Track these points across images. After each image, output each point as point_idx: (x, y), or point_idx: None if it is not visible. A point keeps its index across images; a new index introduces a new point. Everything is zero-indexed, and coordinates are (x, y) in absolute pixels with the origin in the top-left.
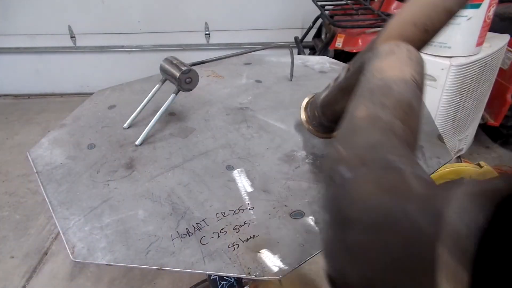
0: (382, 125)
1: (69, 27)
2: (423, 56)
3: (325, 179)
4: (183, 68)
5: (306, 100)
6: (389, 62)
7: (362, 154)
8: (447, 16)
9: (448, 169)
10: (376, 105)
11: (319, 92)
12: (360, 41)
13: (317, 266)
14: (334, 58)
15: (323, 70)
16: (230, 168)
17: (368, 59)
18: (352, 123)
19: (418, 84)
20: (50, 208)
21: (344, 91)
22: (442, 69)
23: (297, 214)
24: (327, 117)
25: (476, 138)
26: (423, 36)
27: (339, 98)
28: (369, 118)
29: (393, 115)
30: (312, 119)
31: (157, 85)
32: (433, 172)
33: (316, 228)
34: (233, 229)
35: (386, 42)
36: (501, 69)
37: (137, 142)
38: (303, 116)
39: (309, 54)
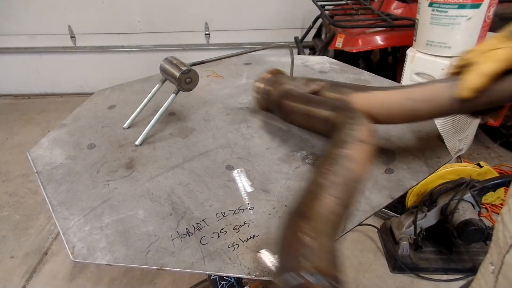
0: (338, 223)
1: (69, 27)
2: (423, 56)
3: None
4: (183, 68)
5: (270, 73)
6: (359, 157)
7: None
8: (399, 118)
9: (448, 169)
10: (342, 203)
11: (287, 77)
12: (360, 41)
13: None
14: (334, 58)
15: (323, 70)
16: (230, 168)
17: (345, 127)
18: (324, 208)
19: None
20: (50, 208)
21: (311, 117)
22: (442, 69)
23: None
24: (278, 107)
25: (476, 138)
26: (379, 119)
27: (302, 115)
28: (334, 214)
29: (346, 214)
30: (265, 92)
31: (157, 85)
32: (433, 172)
33: None
34: (233, 229)
35: (361, 107)
36: None
37: (137, 142)
38: (259, 84)
39: (309, 54)
